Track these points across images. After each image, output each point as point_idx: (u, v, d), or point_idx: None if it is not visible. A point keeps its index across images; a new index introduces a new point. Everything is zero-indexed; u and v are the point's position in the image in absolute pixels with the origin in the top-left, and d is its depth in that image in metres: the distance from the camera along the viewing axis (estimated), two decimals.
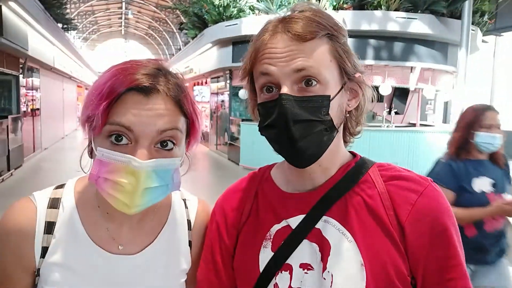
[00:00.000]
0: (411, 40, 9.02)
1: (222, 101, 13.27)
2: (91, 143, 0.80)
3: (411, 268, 0.77)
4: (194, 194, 1.03)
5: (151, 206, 0.85)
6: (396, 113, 10.41)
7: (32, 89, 11.68)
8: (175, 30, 25.36)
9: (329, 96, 0.77)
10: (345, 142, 0.89)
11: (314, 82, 0.75)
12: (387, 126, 9.64)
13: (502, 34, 13.17)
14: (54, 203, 0.86)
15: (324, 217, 0.81)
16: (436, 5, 8.55)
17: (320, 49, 0.76)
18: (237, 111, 12.11)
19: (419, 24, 8.67)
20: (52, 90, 14.80)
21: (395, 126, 9.76)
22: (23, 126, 10.12)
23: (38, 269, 0.83)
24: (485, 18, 10.13)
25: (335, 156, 0.85)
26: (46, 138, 13.13)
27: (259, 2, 9.68)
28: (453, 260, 0.77)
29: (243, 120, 10.52)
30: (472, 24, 8.88)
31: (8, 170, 8.56)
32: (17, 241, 0.82)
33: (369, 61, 9.01)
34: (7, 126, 8.64)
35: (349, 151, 0.91)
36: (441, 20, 8.80)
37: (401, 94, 10.90)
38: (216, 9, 10.81)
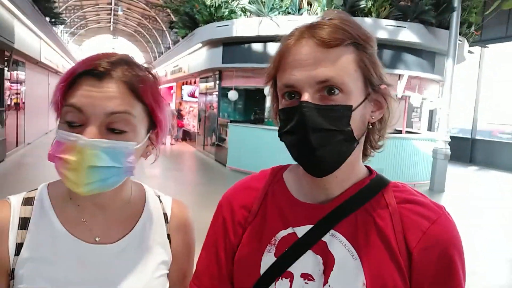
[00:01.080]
0: (400, 48, 9.14)
1: (211, 101, 13.24)
2: None
3: None
4: (179, 194, 1.05)
5: (120, 196, 0.91)
6: None
7: (16, 83, 11.45)
8: (164, 29, 25.21)
9: (351, 106, 0.75)
10: (365, 155, 0.87)
11: (337, 91, 0.74)
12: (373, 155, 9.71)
13: (487, 45, 13.46)
14: (28, 201, 0.88)
15: (331, 231, 0.80)
16: (425, 15, 8.69)
17: (345, 57, 0.75)
18: (226, 112, 12.10)
19: (408, 33, 8.80)
20: (37, 85, 14.54)
21: None
22: (6, 120, 9.90)
23: (13, 270, 0.82)
24: (472, 29, 10.35)
25: (353, 169, 0.83)
26: (29, 133, 12.89)
27: (251, 4, 9.69)
28: None
29: (231, 121, 10.51)
30: (460, 34, 9.06)
31: None
32: None
33: None
34: None
35: (365, 166, 0.89)
36: (430, 30, 8.95)
37: None
38: (208, 9, 10.79)
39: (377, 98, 0.80)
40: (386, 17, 8.85)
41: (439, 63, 9.51)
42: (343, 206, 0.81)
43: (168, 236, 0.97)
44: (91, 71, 0.80)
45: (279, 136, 0.82)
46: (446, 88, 8.74)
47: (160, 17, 25.37)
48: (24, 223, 0.85)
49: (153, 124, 0.88)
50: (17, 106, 11.49)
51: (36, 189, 0.91)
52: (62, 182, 0.85)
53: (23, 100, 12.13)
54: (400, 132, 10.55)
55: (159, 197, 1.02)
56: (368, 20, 8.75)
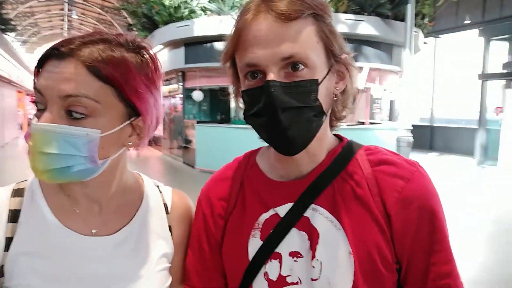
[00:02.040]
0: (359, 41, 9.36)
1: (174, 104, 13.05)
2: None
3: (397, 254, 0.77)
4: None
5: (112, 187, 0.85)
6: None
7: None
8: (122, 32, 24.63)
9: (317, 80, 0.73)
10: (331, 126, 0.87)
11: (302, 66, 0.72)
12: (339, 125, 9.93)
13: (439, 36, 14.07)
14: (17, 193, 0.82)
15: (312, 205, 0.80)
16: (382, 8, 8.97)
17: (306, 30, 0.72)
18: (191, 114, 11.97)
19: (366, 26, 9.04)
20: None
21: (347, 125, 10.08)
22: None
23: (1, 267, 0.77)
24: (426, 20, 10.77)
25: (322, 142, 0.83)
26: (8, 134, 12.18)
27: (210, 3, 9.63)
28: (439, 244, 0.76)
29: (198, 122, 10.40)
30: (414, 26, 9.40)
31: None
32: None
33: None
34: None
35: (334, 134, 0.89)
36: (386, 22, 9.24)
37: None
38: (167, 10, 10.62)
39: (340, 69, 0.79)
40: (345, 12, 9.04)
41: (397, 54, 9.81)
42: (319, 179, 0.81)
43: (170, 228, 0.92)
44: (53, 51, 0.74)
45: (244, 119, 0.80)
46: (404, 78, 9.04)
47: (117, 21, 24.75)
48: (14, 216, 0.79)
49: (135, 112, 0.80)
50: None
51: (26, 180, 0.85)
52: None
53: None
54: (363, 123, 10.83)
55: (158, 187, 0.97)
56: None
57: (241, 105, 0.82)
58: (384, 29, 9.22)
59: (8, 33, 13.54)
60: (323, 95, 0.75)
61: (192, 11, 10.41)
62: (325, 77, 0.75)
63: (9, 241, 0.77)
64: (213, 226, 0.89)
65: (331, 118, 0.85)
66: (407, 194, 0.76)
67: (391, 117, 13.91)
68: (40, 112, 0.74)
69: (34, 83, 0.76)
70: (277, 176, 0.86)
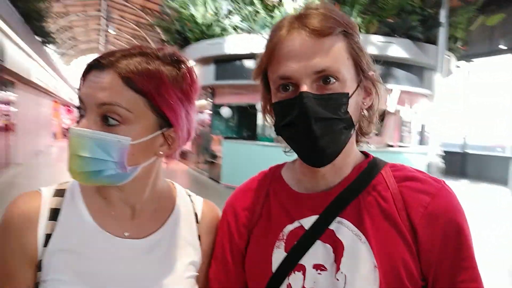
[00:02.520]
0: (389, 64, 9.27)
1: (203, 120, 13.23)
2: None
3: (423, 271, 0.77)
4: None
5: (145, 192, 0.88)
6: (376, 134, 10.57)
7: (7, 103, 11.35)
8: (162, 47, 25.35)
9: (348, 93, 0.77)
10: (357, 142, 0.89)
11: (333, 80, 0.75)
12: (368, 147, 9.78)
13: (472, 60, 13.77)
14: (59, 193, 0.87)
15: (337, 218, 0.81)
16: (413, 30, 8.87)
17: (338, 46, 0.76)
18: (219, 129, 12.08)
19: (397, 48, 8.95)
20: (28, 105, 14.41)
21: (375, 147, 9.93)
22: None
23: (40, 261, 0.81)
24: (458, 44, 10.59)
25: (349, 155, 0.85)
26: (20, 154, 12.70)
27: (242, 22, 9.81)
28: (467, 262, 0.76)
29: (225, 138, 10.48)
30: (447, 49, 9.26)
31: None
32: (20, 227, 0.81)
33: None
34: None
35: (361, 151, 0.91)
36: (418, 45, 9.11)
37: (379, 116, 11.11)
38: (199, 28, 10.89)
39: (367, 85, 0.83)
40: (375, 33, 9.01)
41: (428, 78, 9.65)
42: (345, 192, 0.82)
43: (199, 237, 0.95)
44: (95, 62, 0.80)
45: (275, 130, 0.82)
46: (434, 102, 8.88)
47: (150, 37, 25.52)
48: (54, 214, 0.83)
49: (168, 123, 0.83)
50: (7, 127, 11.36)
51: (68, 181, 0.90)
52: None
53: (13, 121, 11.99)
54: (392, 146, 10.63)
55: (190, 196, 1.00)
56: None
57: (268, 120, 0.86)
58: (415, 52, 9.11)
59: (48, 45, 14.19)
60: (352, 109, 0.78)
61: (224, 29, 10.62)
62: (354, 91, 0.79)
63: (48, 237, 0.81)
64: (237, 236, 0.91)
65: (357, 133, 0.87)
66: (433, 210, 0.77)
67: (421, 141, 13.61)
68: (80, 118, 0.80)
69: (78, 91, 0.82)
70: (303, 189, 0.87)
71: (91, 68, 0.80)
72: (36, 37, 12.31)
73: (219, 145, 10.59)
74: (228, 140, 10.10)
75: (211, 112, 11.93)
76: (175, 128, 0.84)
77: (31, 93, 14.86)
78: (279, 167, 0.96)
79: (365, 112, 0.84)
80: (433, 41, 9.17)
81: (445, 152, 9.04)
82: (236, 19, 10.14)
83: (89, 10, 26.16)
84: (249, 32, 9.60)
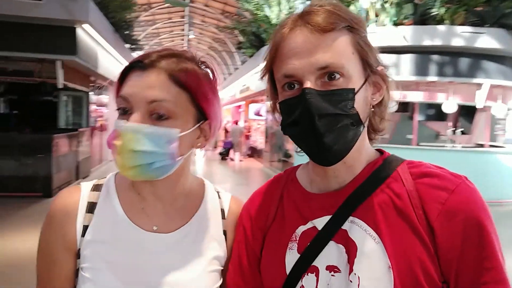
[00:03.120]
0: (478, 56, 8.53)
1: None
2: None
3: (443, 272, 0.72)
4: None
5: (178, 188, 0.93)
6: (462, 132, 9.80)
7: (101, 105, 12.52)
8: (233, 50, 26.13)
9: (354, 89, 0.74)
10: (370, 139, 0.87)
11: (338, 76, 0.74)
12: (452, 146, 9.10)
13: None
14: (97, 188, 0.94)
15: (350, 218, 0.78)
16: (507, 18, 8.04)
17: (341, 41, 0.75)
18: None
19: (487, 39, 8.19)
20: None
21: (462, 147, 9.18)
22: (92, 139, 10.82)
23: (79, 250, 0.88)
24: None
25: (361, 153, 0.82)
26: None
27: None
28: (490, 261, 0.70)
29: None
30: None
31: (77, 179, 9.18)
32: (61, 219, 0.89)
33: (432, 78, 8.62)
34: (77, 139, 9.29)
35: (376, 149, 0.88)
36: None
37: (467, 112, 10.28)
38: (273, 28, 10.98)
39: (376, 80, 0.80)
40: (462, 24, 8.32)
41: None
42: (358, 191, 0.80)
43: (224, 233, 0.97)
44: (137, 63, 0.85)
45: (282, 129, 0.81)
46: None
47: (229, 39, 26.38)
48: (91, 207, 0.90)
49: (204, 116, 0.90)
50: (102, 127, 12.53)
51: (106, 177, 0.98)
52: None
53: (106, 121, 13.20)
54: (482, 146, 9.75)
55: (218, 193, 1.03)
56: (441, 28, 8.31)
57: (277, 118, 0.85)
58: (510, 42, 8.23)
59: (136, 51, 15.35)
60: (360, 104, 0.76)
61: None
62: (361, 87, 0.76)
63: (85, 228, 0.89)
64: (253, 239, 0.91)
65: (369, 130, 0.85)
66: (451, 206, 0.72)
67: None
68: (123, 116, 0.84)
69: (117, 92, 0.87)
70: (315, 189, 0.86)
71: (129, 69, 0.86)
72: (125, 45, 13.37)
73: (292, 144, 10.57)
74: None
75: None
76: (210, 120, 0.91)
77: None
78: (294, 169, 0.95)
79: (376, 107, 0.82)
80: None
81: None
82: None
83: (174, 17, 27.81)
84: None
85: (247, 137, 17.83)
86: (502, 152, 8.82)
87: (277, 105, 0.84)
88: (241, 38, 16.77)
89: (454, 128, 9.69)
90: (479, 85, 8.75)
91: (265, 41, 11.61)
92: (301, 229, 0.83)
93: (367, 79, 0.78)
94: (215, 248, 0.94)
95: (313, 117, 0.72)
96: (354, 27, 0.77)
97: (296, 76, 0.75)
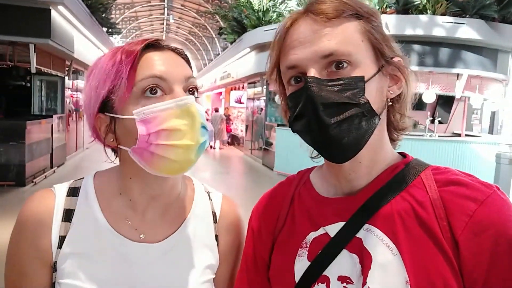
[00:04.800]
0: (458, 46, 8.64)
1: (258, 106, 13.26)
2: (110, 128, 0.79)
3: None
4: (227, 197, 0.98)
5: (175, 189, 0.87)
6: (439, 122, 9.97)
7: (76, 91, 12.15)
8: (214, 36, 25.78)
9: (363, 77, 0.68)
10: (392, 140, 0.80)
11: (345, 64, 0.68)
12: (430, 136, 9.25)
13: None
14: (73, 192, 0.85)
15: (366, 225, 0.72)
16: (487, 9, 8.14)
17: (348, 28, 0.69)
18: (273, 116, 12.05)
19: (467, 29, 8.29)
20: None
21: (439, 136, 9.34)
22: (66, 126, 10.51)
23: (55, 263, 0.79)
24: None
25: (379, 153, 0.75)
26: (87, 138, 13.61)
27: (299, 6, 9.60)
28: None
29: (278, 125, 10.43)
30: None
31: (51, 167, 8.91)
32: (34, 229, 0.79)
33: (413, 67, 8.33)
34: (52, 126, 8.99)
35: (399, 152, 0.81)
36: (492, 25, 8.38)
37: (445, 102, 10.45)
38: (256, 14, 10.84)
39: (393, 72, 0.74)
40: (443, 14, 8.38)
41: (502, 61, 8.86)
42: (375, 197, 0.73)
43: (216, 237, 0.91)
44: (153, 44, 0.81)
45: (290, 126, 0.74)
46: (510, 87, 8.12)
47: (210, 24, 25.97)
48: (68, 215, 0.81)
49: None
50: (77, 113, 12.18)
51: (82, 178, 0.88)
52: (111, 174, 0.86)
53: (82, 107, 12.84)
54: (458, 135, 9.95)
55: (209, 193, 0.96)
56: (423, 18, 8.35)
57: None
58: (489, 33, 8.35)
59: (113, 35, 14.92)
60: (372, 95, 0.70)
61: (280, 15, 10.48)
62: (373, 76, 0.70)
63: (62, 239, 0.79)
64: (262, 244, 0.86)
65: (390, 129, 0.79)
66: (479, 219, 0.65)
67: (492, 130, 12.59)
68: (156, 98, 0.76)
69: (131, 74, 0.76)
70: (329, 193, 0.80)
71: (147, 48, 0.79)
72: (103, 28, 12.95)
73: (274, 132, 10.56)
74: (282, 127, 10.01)
75: (265, 99, 11.90)
76: None
77: None
78: (308, 171, 0.89)
79: (395, 103, 0.76)
80: (510, 20, 8.35)
81: None
82: (292, 4, 9.94)
83: (153, 0, 27.13)
84: None
85: (228, 124, 17.71)
86: (477, 141, 9.01)
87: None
88: (222, 24, 16.51)
89: (432, 118, 9.84)
90: (458, 75, 8.88)
91: (247, 27, 11.43)
92: (312, 235, 0.77)
93: (381, 69, 0.72)
94: (207, 256, 0.88)
95: (316, 107, 0.66)
96: (364, 16, 0.71)
97: (300, 66, 0.70)
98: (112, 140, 0.80)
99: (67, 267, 0.78)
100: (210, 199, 0.95)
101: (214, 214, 0.93)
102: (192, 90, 0.80)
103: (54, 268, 0.79)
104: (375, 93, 0.70)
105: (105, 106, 0.78)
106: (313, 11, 0.71)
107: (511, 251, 0.63)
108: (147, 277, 0.81)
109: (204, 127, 0.77)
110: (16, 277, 0.81)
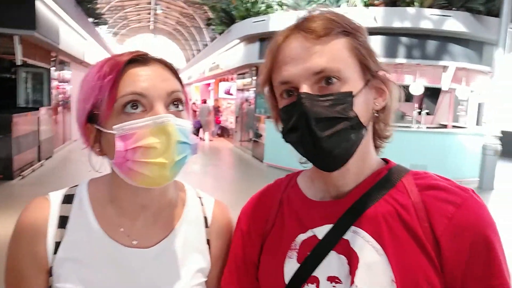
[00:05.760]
0: (445, 39, 8.74)
1: (248, 97, 13.24)
2: (97, 138, 0.81)
3: (447, 287, 0.71)
4: (216, 188, 1.03)
5: (165, 196, 0.89)
6: (427, 113, 10.11)
7: (63, 82, 11.97)
8: (202, 26, 25.53)
9: (351, 92, 0.73)
10: (376, 147, 0.85)
11: (335, 80, 0.73)
12: (418, 127, 9.37)
13: None
14: (68, 199, 0.87)
15: (352, 228, 0.76)
16: (473, 2, 8.24)
17: (337, 45, 0.74)
18: (262, 108, 12.07)
19: (454, 22, 8.38)
20: None
21: (426, 127, 9.47)
22: (53, 118, 10.38)
23: (51, 268, 0.82)
24: None
25: (365, 160, 0.80)
26: (75, 130, 13.42)
27: None
28: (497, 279, 0.70)
29: (268, 117, 10.45)
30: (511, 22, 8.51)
31: (39, 160, 8.81)
32: (31, 236, 0.82)
33: (400, 60, 8.77)
34: (38, 118, 8.88)
35: (382, 158, 0.86)
36: (477, 18, 8.49)
37: (431, 94, 10.58)
38: (244, 5, 10.77)
39: (378, 85, 0.79)
40: (430, 6, 8.45)
41: (488, 53, 8.98)
42: (361, 200, 0.78)
43: (208, 241, 0.93)
44: (136, 58, 0.80)
45: (283, 137, 0.79)
46: (495, 80, 8.26)
47: (198, 15, 25.70)
48: (63, 222, 0.84)
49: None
50: (65, 104, 12.02)
51: (77, 185, 0.90)
52: (104, 182, 0.88)
53: (69, 99, 12.66)
54: (445, 126, 10.10)
55: (200, 198, 0.98)
56: (410, 10, 8.42)
57: (280, 128, 0.83)
58: (474, 26, 8.46)
59: (99, 26, 14.69)
60: (360, 108, 0.74)
61: (269, 6, 10.44)
62: (360, 90, 0.75)
63: (57, 245, 0.82)
64: (251, 245, 0.89)
65: (375, 137, 0.83)
66: (459, 221, 0.71)
67: (478, 122, 12.81)
68: (137, 115, 0.76)
69: (112, 90, 0.77)
70: (317, 196, 0.84)
71: (128, 63, 0.79)
72: (89, 19, 12.75)
73: (263, 124, 10.58)
74: (271, 119, 10.04)
75: (255, 91, 11.89)
76: (187, 110, 0.89)
77: (85, 72, 15.54)
78: (296, 174, 0.93)
79: (380, 113, 0.81)
80: (495, 13, 8.45)
81: (503, 132, 8.41)
82: None
83: None
84: (294, 8, 9.34)
85: (217, 116, 17.66)
86: (463, 133, 9.16)
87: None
88: (210, 14, 16.37)
89: (419, 109, 9.96)
90: (445, 68, 8.99)
91: (235, 18, 11.37)
92: (301, 237, 0.81)
93: (367, 83, 0.76)
94: (198, 260, 0.90)
95: (309, 121, 0.71)
96: (351, 32, 0.75)
97: (292, 82, 0.74)
98: (98, 149, 0.83)
99: (63, 272, 0.81)
100: (202, 204, 0.97)
101: (205, 219, 0.94)
102: (176, 103, 0.81)
103: (50, 272, 0.82)
104: (362, 106, 0.75)
105: (92, 117, 0.80)
106: (304, 29, 0.74)
107: (487, 250, 0.70)
108: (139, 281, 0.83)
109: (184, 142, 0.78)
110: (15, 281, 0.84)
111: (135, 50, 0.82)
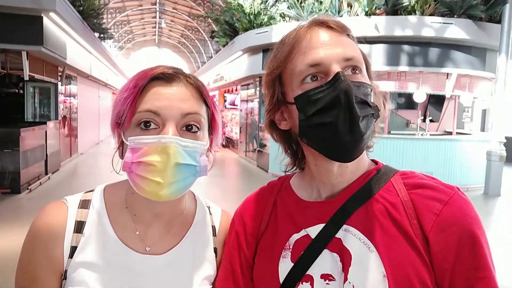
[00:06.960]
0: (447, 46, 8.74)
1: (251, 108, 13.31)
2: (122, 143, 0.85)
3: (436, 280, 0.74)
4: (223, 199, 1.06)
5: (179, 205, 0.92)
6: (431, 120, 10.10)
7: (69, 96, 12.14)
8: (206, 39, 25.79)
9: (371, 85, 0.79)
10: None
11: (358, 71, 0.78)
12: (422, 134, 9.36)
13: None
14: (84, 204, 0.89)
15: (344, 226, 0.79)
16: (474, 9, 8.25)
17: (355, 45, 0.81)
18: None
19: (456, 29, 8.39)
20: (89, 97, 15.30)
21: (430, 134, 9.45)
22: (60, 132, 10.50)
23: (66, 271, 0.84)
24: None
25: (361, 160, 0.83)
26: (82, 144, 13.58)
27: (289, 9, 9.67)
28: (482, 271, 0.73)
29: None
30: None
31: (46, 174, 8.89)
32: (48, 240, 0.84)
33: (403, 68, 8.79)
34: (46, 132, 8.99)
35: (371, 159, 0.90)
36: (479, 25, 8.49)
37: (436, 101, 10.57)
38: (247, 17, 10.89)
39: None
40: (431, 14, 8.49)
41: (491, 60, 8.98)
42: (352, 200, 0.80)
43: (215, 250, 0.96)
44: (159, 76, 0.83)
45: (301, 124, 0.78)
46: (499, 86, 8.24)
47: (202, 27, 25.98)
48: (79, 227, 0.86)
49: (210, 127, 0.90)
50: (71, 119, 12.17)
51: (93, 190, 0.93)
52: (120, 188, 0.91)
53: (76, 113, 12.81)
54: (450, 133, 10.07)
55: (209, 208, 1.01)
56: (412, 19, 8.45)
57: (282, 126, 0.87)
58: (476, 32, 8.48)
59: (105, 40, 14.90)
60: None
61: (271, 18, 10.54)
62: (371, 88, 0.81)
63: (73, 249, 0.84)
64: (245, 246, 0.91)
65: None
66: (445, 217, 0.74)
67: (482, 128, 12.76)
68: (149, 131, 0.80)
69: (133, 105, 0.81)
70: (310, 197, 0.87)
71: (153, 80, 0.82)
72: (95, 33, 12.95)
73: (268, 134, 10.59)
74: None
75: (259, 101, 11.95)
76: (213, 133, 0.92)
77: (91, 86, 15.75)
78: (288, 177, 0.95)
79: None
80: (497, 20, 8.47)
81: (507, 138, 8.37)
82: (283, 6, 10.01)
83: (144, 4, 27.09)
84: (297, 19, 9.44)
85: (222, 127, 17.70)
86: (468, 139, 9.12)
87: (280, 108, 0.85)
88: (214, 27, 16.54)
89: (423, 117, 9.96)
90: (448, 75, 9.00)
91: (238, 30, 11.49)
92: (295, 237, 0.83)
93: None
94: (206, 268, 0.93)
95: (351, 98, 0.72)
96: (355, 40, 0.82)
97: (324, 63, 0.76)
98: (120, 153, 0.88)
99: (77, 276, 0.83)
100: (210, 213, 1.00)
101: (213, 228, 0.98)
102: (191, 125, 0.82)
103: (64, 276, 0.84)
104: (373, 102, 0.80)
105: (119, 123, 0.85)
106: (324, 25, 0.80)
107: (472, 244, 0.73)
108: (151, 287, 0.86)
109: (189, 164, 0.80)
110: (27, 282, 0.85)
111: (167, 66, 0.85)
